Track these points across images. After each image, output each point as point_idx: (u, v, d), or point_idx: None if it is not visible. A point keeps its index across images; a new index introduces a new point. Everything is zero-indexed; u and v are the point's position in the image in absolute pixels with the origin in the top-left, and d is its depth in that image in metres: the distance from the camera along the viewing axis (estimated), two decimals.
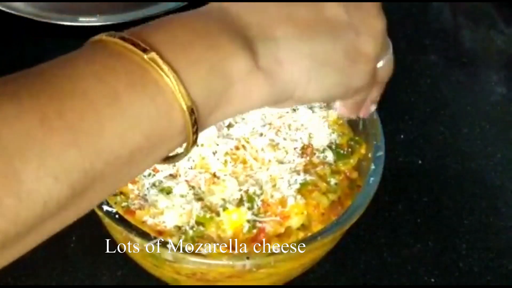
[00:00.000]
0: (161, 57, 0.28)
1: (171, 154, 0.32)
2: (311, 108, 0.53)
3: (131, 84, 0.28)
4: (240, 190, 0.46)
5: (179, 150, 0.32)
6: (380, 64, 0.38)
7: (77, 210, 0.29)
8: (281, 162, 0.48)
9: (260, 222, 0.45)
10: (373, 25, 0.36)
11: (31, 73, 0.27)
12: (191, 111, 0.29)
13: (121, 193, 0.46)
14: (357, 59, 0.35)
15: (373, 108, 0.44)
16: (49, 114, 0.26)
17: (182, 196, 0.46)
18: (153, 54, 0.28)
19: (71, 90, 0.27)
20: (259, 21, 0.32)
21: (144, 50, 0.28)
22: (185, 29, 0.30)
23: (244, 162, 0.48)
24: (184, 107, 0.29)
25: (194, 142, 0.30)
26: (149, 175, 0.47)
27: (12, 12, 0.71)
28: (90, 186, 0.27)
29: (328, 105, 0.54)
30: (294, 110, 0.53)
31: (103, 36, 0.29)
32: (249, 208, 0.45)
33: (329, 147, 0.51)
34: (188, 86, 0.29)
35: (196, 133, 0.30)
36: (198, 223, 0.45)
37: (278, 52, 0.32)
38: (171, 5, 0.73)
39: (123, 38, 0.29)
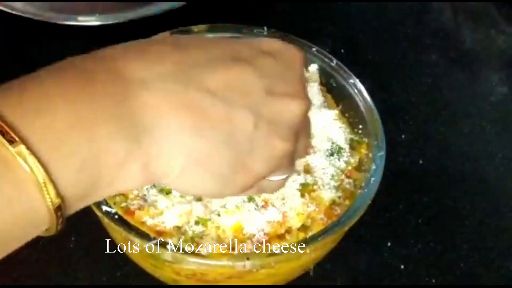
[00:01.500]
0: (30, 152, 0.26)
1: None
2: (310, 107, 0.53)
3: None
4: None
5: None
6: (273, 178, 0.37)
7: None
8: None
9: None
10: (273, 146, 0.34)
11: None
12: (57, 208, 0.28)
13: (121, 193, 0.46)
14: (239, 171, 0.34)
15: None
16: None
17: (181, 196, 0.46)
18: (21, 148, 0.26)
19: None
20: (160, 104, 0.30)
21: (11, 142, 0.26)
22: (63, 115, 0.28)
23: None
24: (50, 206, 0.28)
25: (58, 230, 0.30)
26: None
27: (12, 12, 0.71)
28: None
29: (328, 106, 0.54)
30: None
31: None
32: (249, 209, 0.45)
33: (330, 147, 0.51)
34: (57, 181, 0.27)
35: (61, 223, 0.29)
36: (198, 223, 0.44)
37: (163, 143, 0.31)
38: (171, 4, 0.73)
39: None
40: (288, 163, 0.37)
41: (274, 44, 0.37)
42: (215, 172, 0.33)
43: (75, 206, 0.30)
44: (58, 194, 0.28)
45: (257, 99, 0.33)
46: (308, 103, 0.36)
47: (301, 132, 0.37)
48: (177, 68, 0.32)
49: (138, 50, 0.32)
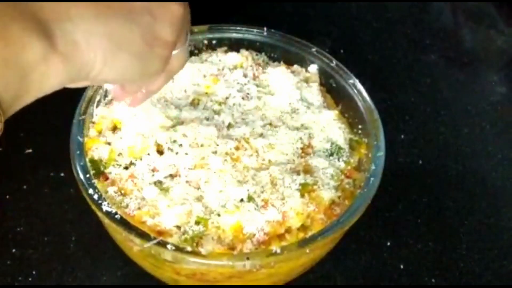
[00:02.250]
0: None
1: None
2: (310, 108, 0.53)
3: None
4: (240, 190, 0.46)
5: None
6: (174, 52, 0.39)
7: None
8: (281, 162, 0.48)
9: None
10: (171, 10, 0.37)
11: None
12: None
13: (121, 193, 0.46)
14: (153, 43, 0.36)
15: (144, 100, 0.45)
16: None
17: (182, 196, 0.46)
18: None
19: None
20: (54, 3, 0.32)
21: None
22: None
23: (244, 162, 0.48)
24: None
25: (1, 129, 0.31)
26: (149, 175, 0.47)
27: None
28: None
29: (328, 106, 0.54)
30: (295, 110, 0.53)
31: None
32: (249, 209, 0.45)
33: (330, 147, 0.51)
34: None
35: (1, 122, 0.31)
36: (198, 223, 0.44)
37: (75, 33, 0.32)
38: None
39: None
40: (186, 27, 0.40)
41: None
42: (133, 50, 0.35)
43: (10, 105, 0.31)
44: None
45: None
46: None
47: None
48: None
49: None
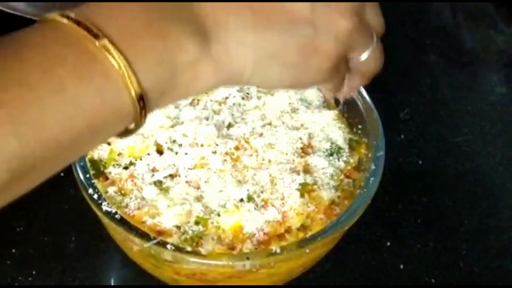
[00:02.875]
0: (113, 45, 0.29)
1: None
2: (309, 108, 0.53)
3: (78, 73, 0.28)
4: (240, 190, 0.46)
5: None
6: (363, 57, 0.39)
7: (19, 190, 0.30)
8: (281, 162, 0.48)
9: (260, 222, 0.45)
10: (337, 24, 0.35)
11: None
12: (140, 98, 0.30)
13: (121, 193, 0.46)
14: (311, 56, 0.35)
15: (352, 94, 0.46)
16: None
17: (181, 196, 0.46)
18: (105, 41, 0.29)
19: (17, 79, 0.27)
20: (216, 9, 0.33)
21: (96, 36, 0.29)
22: (138, 16, 0.31)
23: (244, 162, 0.48)
24: (134, 94, 0.30)
25: (142, 124, 0.32)
26: (149, 175, 0.47)
27: (12, 12, 0.71)
28: (30, 170, 0.28)
29: (328, 105, 0.55)
30: (294, 110, 0.53)
31: (56, 17, 0.30)
32: (248, 209, 0.45)
33: (329, 147, 0.51)
34: (137, 73, 0.29)
35: (144, 116, 0.31)
36: (197, 223, 0.44)
37: (228, 42, 0.33)
38: None
39: (77, 22, 0.29)
40: (362, 37, 0.38)
41: None
42: (286, 61, 0.35)
43: (156, 101, 0.32)
44: (140, 84, 0.30)
45: None
46: None
47: (365, 6, 0.38)
48: None
49: None
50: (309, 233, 0.45)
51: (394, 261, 0.56)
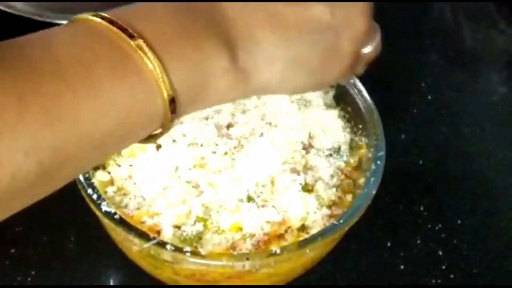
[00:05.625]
0: (148, 46, 0.29)
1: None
2: (310, 107, 0.53)
3: (112, 71, 0.28)
4: (240, 190, 0.46)
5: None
6: (367, 49, 0.39)
7: (46, 188, 0.30)
8: (281, 162, 0.48)
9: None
10: (355, 26, 0.36)
11: (9, 47, 0.28)
12: (171, 100, 0.30)
13: (120, 193, 0.46)
14: (332, 58, 0.36)
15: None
16: (27, 92, 0.26)
17: (181, 196, 0.46)
18: (140, 42, 0.29)
19: (51, 72, 0.27)
20: (244, 21, 0.33)
21: (131, 37, 0.29)
22: (172, 22, 0.31)
23: (243, 162, 0.48)
24: (166, 96, 0.30)
25: (169, 128, 0.32)
26: (149, 175, 0.47)
27: (12, 12, 0.71)
28: (60, 165, 0.28)
29: (328, 106, 0.54)
30: (294, 110, 0.53)
31: (89, 16, 0.30)
32: (248, 209, 0.45)
33: (330, 147, 0.51)
34: (171, 75, 0.30)
35: (172, 121, 0.31)
36: (197, 223, 0.44)
37: (257, 55, 0.33)
38: None
39: (111, 22, 0.29)
40: (373, 33, 0.39)
41: None
42: (312, 68, 0.36)
43: (185, 107, 0.32)
44: (172, 86, 0.30)
45: None
46: None
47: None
48: None
49: None
50: (309, 233, 0.45)
51: (394, 261, 0.56)
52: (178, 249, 0.41)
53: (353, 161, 0.51)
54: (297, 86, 0.37)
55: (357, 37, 0.37)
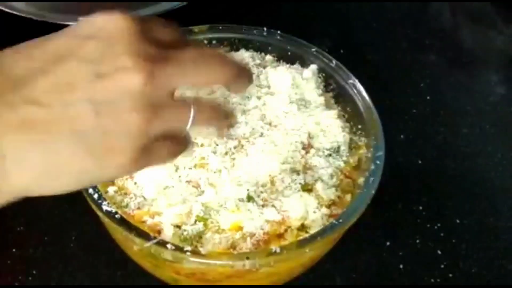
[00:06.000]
0: None
1: None
2: (310, 108, 0.53)
3: None
4: (240, 190, 0.46)
5: None
6: (188, 126, 0.38)
7: None
8: (281, 162, 0.48)
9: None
10: (126, 122, 0.34)
11: None
12: None
13: (121, 193, 0.46)
14: (107, 156, 0.34)
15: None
16: None
17: (181, 196, 0.46)
18: None
19: None
20: None
21: None
22: None
23: (244, 162, 0.48)
24: None
25: None
26: (149, 175, 0.47)
27: (12, 12, 0.71)
28: None
29: (327, 106, 0.55)
30: (294, 110, 0.53)
31: None
32: (248, 208, 0.45)
33: (329, 147, 0.51)
34: None
35: None
36: (197, 222, 0.44)
37: (5, 164, 0.32)
38: (171, 5, 0.73)
39: None
40: (169, 118, 0.36)
41: (95, 23, 0.37)
42: (79, 167, 0.33)
43: None
44: None
45: (88, 89, 0.33)
46: (145, 69, 0.34)
47: (164, 99, 0.35)
48: (0, 91, 0.32)
49: None
50: (309, 233, 0.45)
51: (393, 260, 0.56)
52: (179, 249, 0.42)
53: (352, 161, 0.51)
54: (66, 185, 0.34)
55: (131, 131, 0.33)
